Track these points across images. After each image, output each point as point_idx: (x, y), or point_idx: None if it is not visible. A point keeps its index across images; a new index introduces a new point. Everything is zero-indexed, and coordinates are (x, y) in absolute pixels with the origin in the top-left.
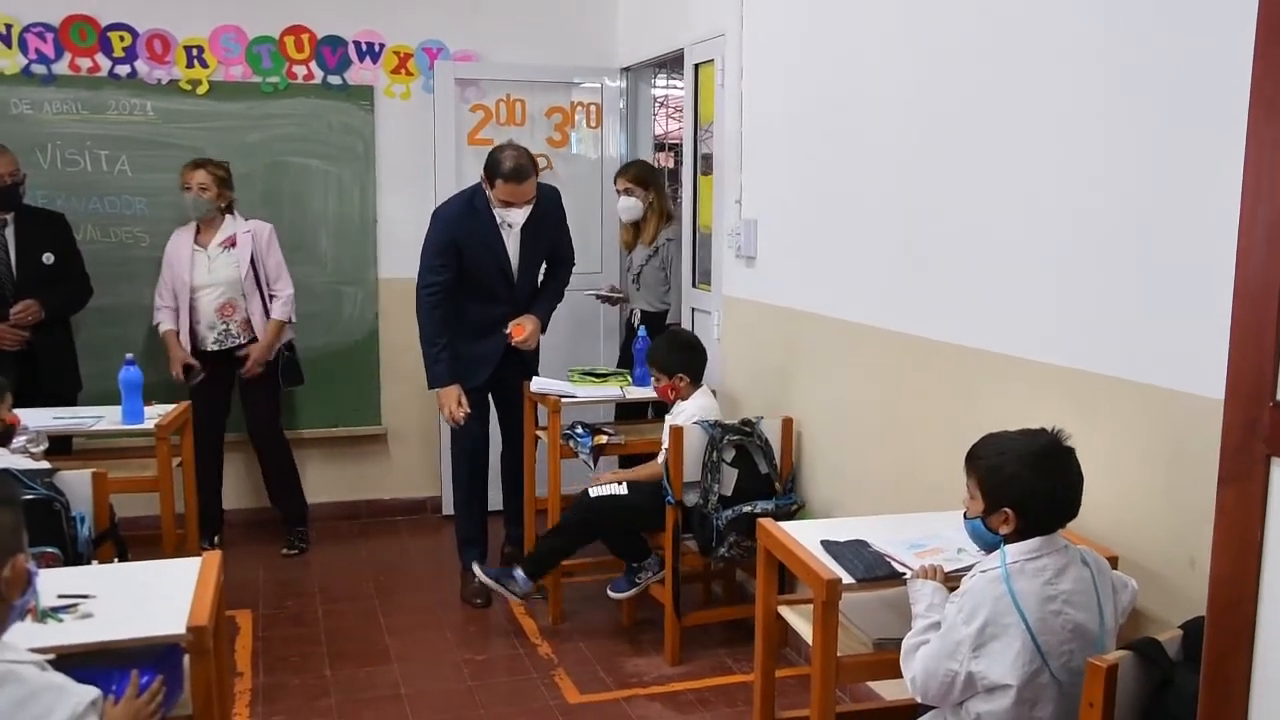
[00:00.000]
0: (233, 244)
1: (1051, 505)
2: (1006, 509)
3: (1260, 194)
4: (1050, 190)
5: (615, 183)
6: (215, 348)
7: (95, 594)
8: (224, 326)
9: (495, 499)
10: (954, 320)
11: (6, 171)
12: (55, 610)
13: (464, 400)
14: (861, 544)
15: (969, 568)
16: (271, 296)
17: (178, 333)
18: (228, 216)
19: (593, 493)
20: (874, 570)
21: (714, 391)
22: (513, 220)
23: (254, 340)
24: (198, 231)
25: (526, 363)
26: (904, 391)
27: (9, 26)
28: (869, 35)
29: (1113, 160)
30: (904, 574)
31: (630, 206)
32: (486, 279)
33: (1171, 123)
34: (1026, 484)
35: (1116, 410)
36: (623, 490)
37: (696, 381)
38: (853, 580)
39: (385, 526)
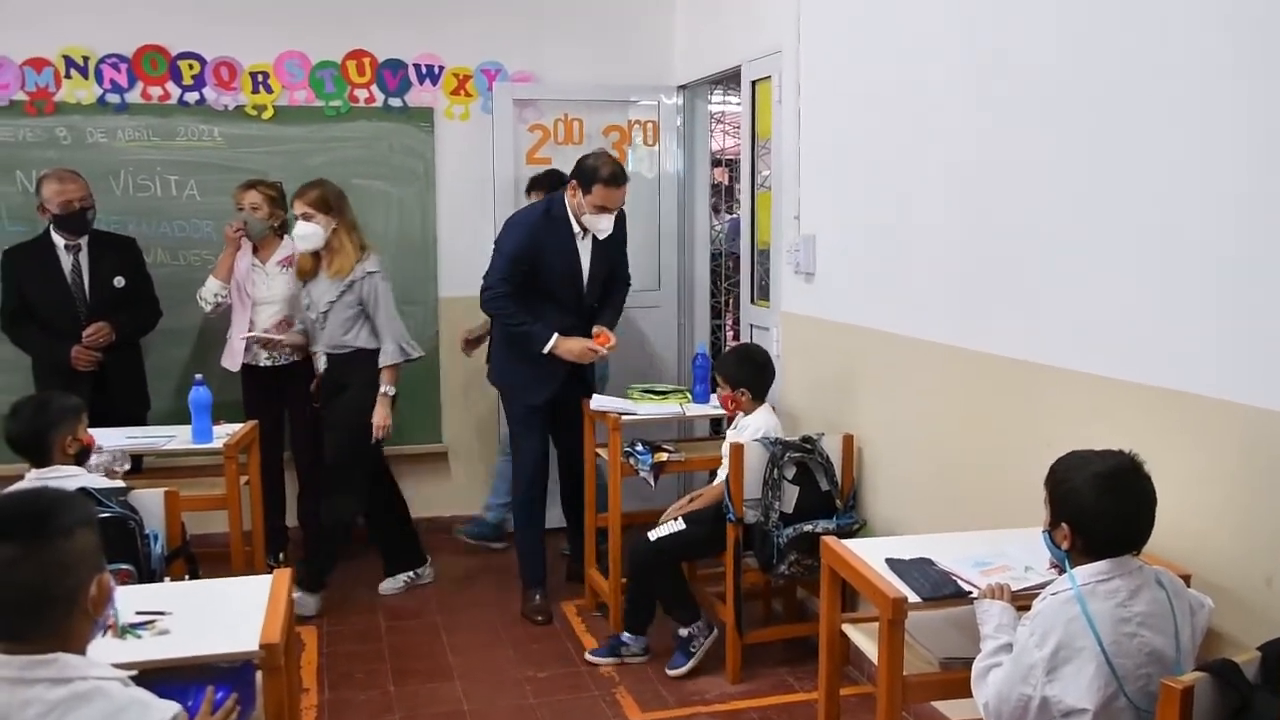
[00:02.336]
0: (290, 262)
1: (1112, 528)
2: (1064, 524)
3: None
4: (1116, 198)
5: (292, 205)
6: (269, 363)
7: (171, 611)
8: None
9: (553, 517)
10: (1018, 334)
11: (78, 198)
12: (134, 626)
13: (582, 341)
14: (927, 562)
15: (1037, 587)
16: None
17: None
18: (285, 236)
19: (652, 536)
20: (940, 589)
21: (774, 408)
22: (603, 227)
23: (308, 358)
24: (255, 250)
25: (587, 380)
26: (967, 407)
27: (85, 59)
28: (927, 49)
29: (1188, 164)
30: (970, 593)
31: (309, 234)
32: (558, 289)
33: (1248, 123)
34: (1086, 502)
35: (1188, 426)
36: (680, 526)
37: (759, 398)
38: (919, 599)
39: (447, 543)
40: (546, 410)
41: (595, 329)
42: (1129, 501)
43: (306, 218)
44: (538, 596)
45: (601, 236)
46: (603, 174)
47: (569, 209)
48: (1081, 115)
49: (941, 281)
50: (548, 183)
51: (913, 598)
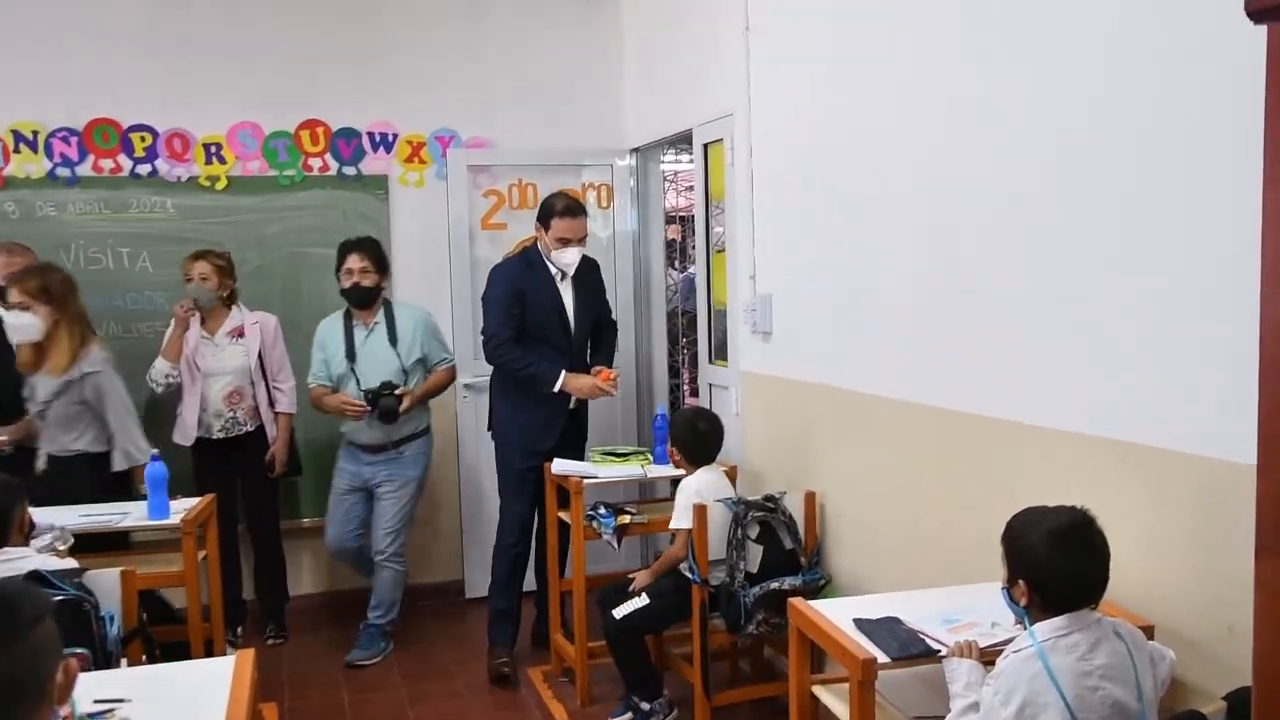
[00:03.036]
0: (241, 334)
1: (1067, 584)
2: (1021, 580)
3: (1276, 274)
4: (1070, 257)
5: (10, 293)
6: (222, 435)
7: (130, 698)
8: (231, 415)
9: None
10: (979, 391)
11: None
12: (92, 716)
13: (587, 377)
14: (895, 621)
15: (1003, 642)
16: (275, 388)
17: None
18: (233, 307)
19: (617, 614)
20: (909, 648)
21: (734, 470)
22: (568, 260)
23: (260, 428)
24: (202, 321)
25: (583, 430)
26: (929, 463)
27: (35, 133)
28: (879, 108)
29: (1136, 227)
30: (939, 651)
31: (23, 325)
32: (548, 332)
33: (1190, 186)
34: (1041, 558)
35: (1147, 478)
36: (643, 601)
37: (693, 462)
38: (888, 659)
39: (410, 612)
40: (540, 469)
41: (595, 367)
42: (1083, 556)
43: (24, 307)
44: (505, 657)
45: (569, 270)
46: (558, 207)
47: (543, 254)
48: (1034, 173)
49: (900, 339)
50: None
51: (882, 658)
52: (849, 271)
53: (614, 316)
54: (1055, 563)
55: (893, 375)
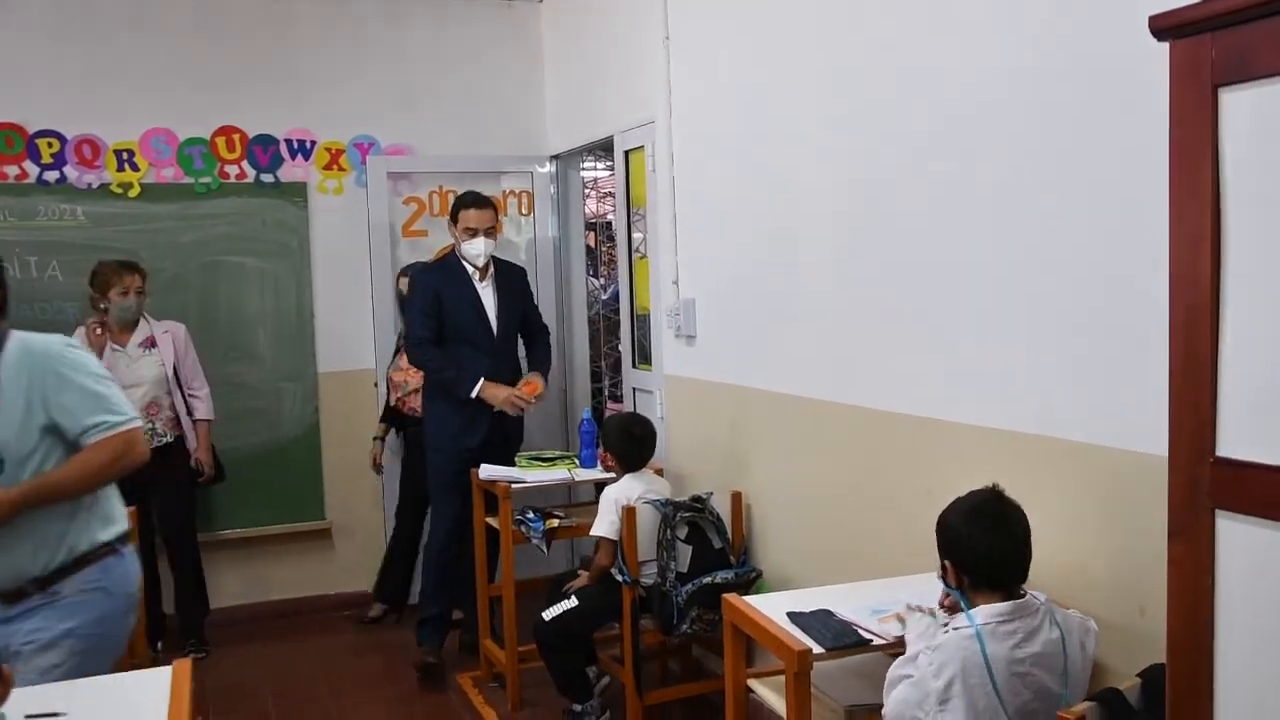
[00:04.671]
0: (152, 344)
1: (987, 556)
2: (947, 562)
3: (1184, 278)
4: (986, 257)
5: None
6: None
7: (66, 710)
8: (151, 426)
9: None
10: (897, 389)
11: None
12: None
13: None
14: (827, 614)
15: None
16: (191, 396)
17: None
18: (141, 318)
19: (546, 616)
20: (842, 639)
21: (660, 472)
22: (477, 251)
23: (179, 438)
24: (112, 333)
25: (510, 434)
26: (851, 461)
27: None
28: (799, 113)
29: (1049, 226)
30: (870, 640)
31: None
32: (468, 332)
33: (1101, 188)
34: (960, 536)
35: (1061, 470)
36: (572, 603)
37: (626, 467)
38: (822, 650)
39: (332, 622)
40: (468, 475)
41: (525, 378)
42: (996, 529)
43: None
44: (431, 652)
45: (478, 261)
46: (465, 200)
47: (459, 256)
48: (950, 173)
49: (821, 340)
50: None
51: (816, 649)
52: (770, 275)
53: (542, 320)
54: (972, 539)
55: (814, 376)
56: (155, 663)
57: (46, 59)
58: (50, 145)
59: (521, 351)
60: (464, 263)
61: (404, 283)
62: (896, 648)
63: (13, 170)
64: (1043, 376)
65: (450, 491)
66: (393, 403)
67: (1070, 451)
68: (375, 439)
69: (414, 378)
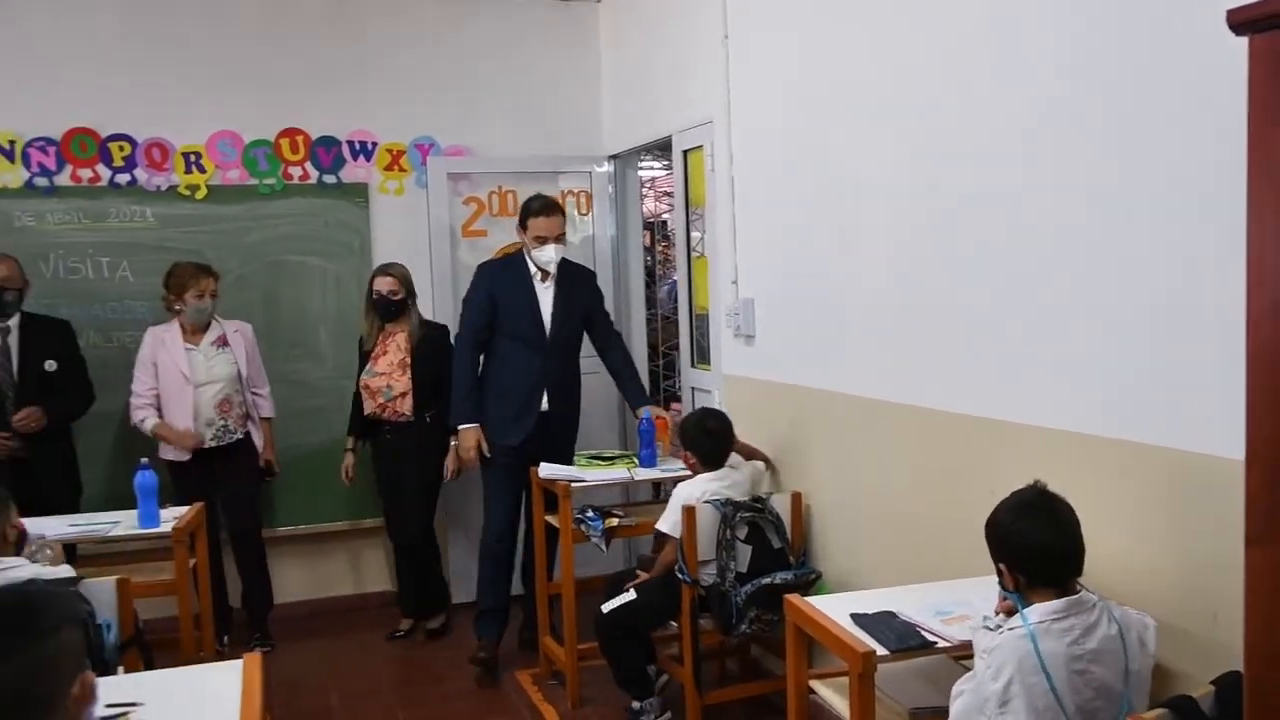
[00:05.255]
0: (224, 342)
1: (1040, 554)
2: (1001, 564)
3: (1265, 276)
4: (1051, 255)
5: None
6: (214, 444)
7: (143, 702)
8: (223, 423)
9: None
10: (959, 390)
11: (7, 277)
12: None
13: (483, 444)
14: (890, 615)
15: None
16: (255, 394)
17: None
18: (213, 318)
19: (605, 609)
20: (906, 641)
21: (734, 468)
22: (547, 258)
23: (248, 434)
24: (184, 331)
25: (559, 438)
26: (912, 462)
27: (12, 143)
28: (860, 112)
29: (1115, 225)
30: (936, 643)
31: None
32: (522, 329)
33: (1171, 186)
34: (1010, 536)
35: (1130, 472)
36: (631, 597)
37: (708, 464)
38: (886, 652)
39: (393, 617)
40: (521, 471)
41: (645, 409)
42: (1045, 524)
43: None
44: (486, 647)
45: (549, 268)
46: (534, 207)
47: (526, 256)
48: (1014, 172)
49: (882, 340)
50: None
51: (880, 651)
52: (830, 274)
53: (611, 323)
54: (1022, 535)
55: (876, 376)
56: (221, 656)
57: (119, 65)
58: (121, 149)
59: (587, 352)
60: (528, 262)
61: None
62: (962, 650)
63: (86, 173)
64: (1111, 377)
65: (497, 487)
66: (369, 411)
67: (1139, 453)
68: (347, 450)
69: (398, 382)
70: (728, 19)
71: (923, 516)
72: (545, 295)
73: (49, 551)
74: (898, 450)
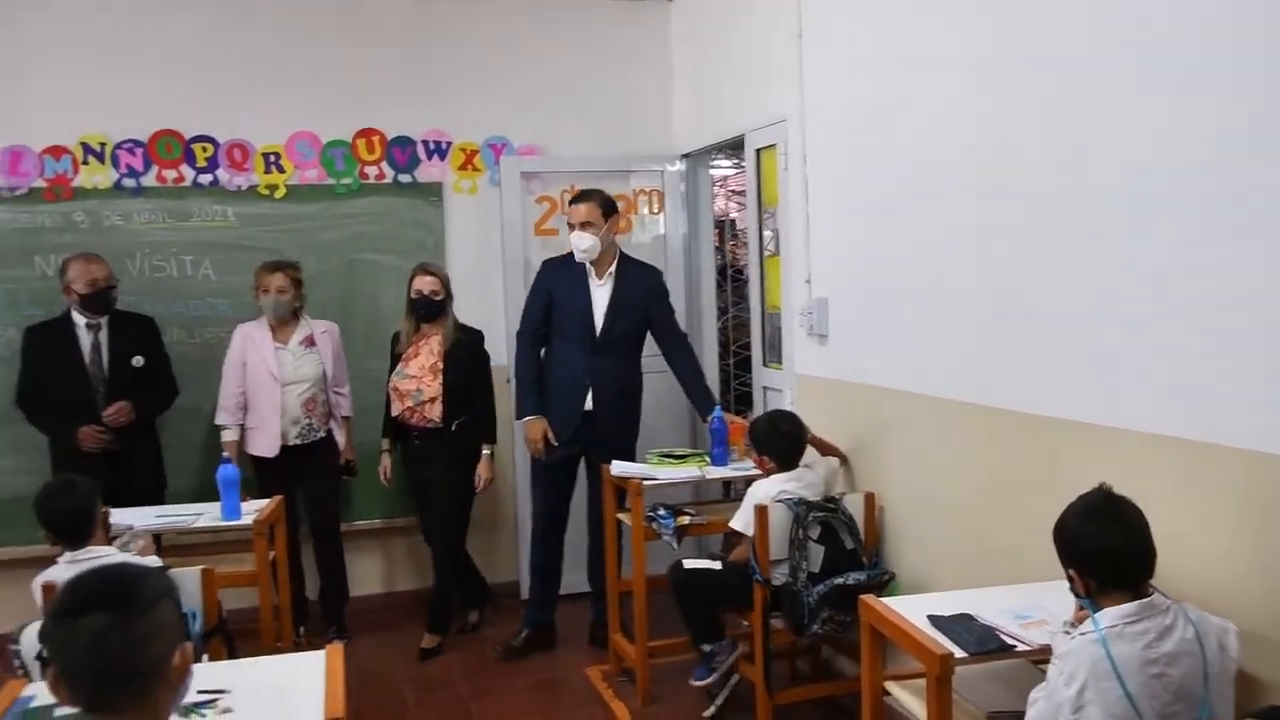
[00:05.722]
0: (312, 343)
1: (1109, 556)
2: (1071, 570)
3: None
4: (1131, 258)
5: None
6: (298, 441)
7: (230, 689)
8: (308, 421)
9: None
10: (1042, 392)
11: (101, 277)
12: (197, 706)
13: (549, 434)
14: (968, 618)
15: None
16: (337, 393)
17: (239, 444)
18: (301, 317)
19: (686, 564)
20: (986, 644)
21: (808, 466)
22: (574, 244)
23: (330, 432)
24: (272, 330)
25: (606, 441)
26: (990, 463)
27: (102, 145)
28: (939, 110)
29: (1191, 228)
30: (1015, 646)
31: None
32: (570, 327)
33: (1251, 188)
34: (1078, 540)
35: (1213, 476)
36: (716, 565)
37: (782, 466)
38: (965, 654)
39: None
40: (572, 467)
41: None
42: (1112, 524)
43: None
44: (521, 633)
45: (578, 256)
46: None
47: None
48: (1108, 174)
49: (960, 341)
50: None
51: (959, 653)
52: (906, 273)
53: (676, 324)
54: (1090, 539)
55: (953, 377)
56: (298, 647)
57: (203, 69)
58: (205, 149)
59: (652, 351)
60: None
61: None
62: (1041, 655)
63: (171, 174)
64: (1196, 378)
65: (537, 480)
66: (397, 413)
67: (1225, 457)
68: (383, 452)
69: (428, 386)
70: (802, 16)
71: (999, 519)
72: (599, 293)
73: (140, 541)
74: (974, 451)
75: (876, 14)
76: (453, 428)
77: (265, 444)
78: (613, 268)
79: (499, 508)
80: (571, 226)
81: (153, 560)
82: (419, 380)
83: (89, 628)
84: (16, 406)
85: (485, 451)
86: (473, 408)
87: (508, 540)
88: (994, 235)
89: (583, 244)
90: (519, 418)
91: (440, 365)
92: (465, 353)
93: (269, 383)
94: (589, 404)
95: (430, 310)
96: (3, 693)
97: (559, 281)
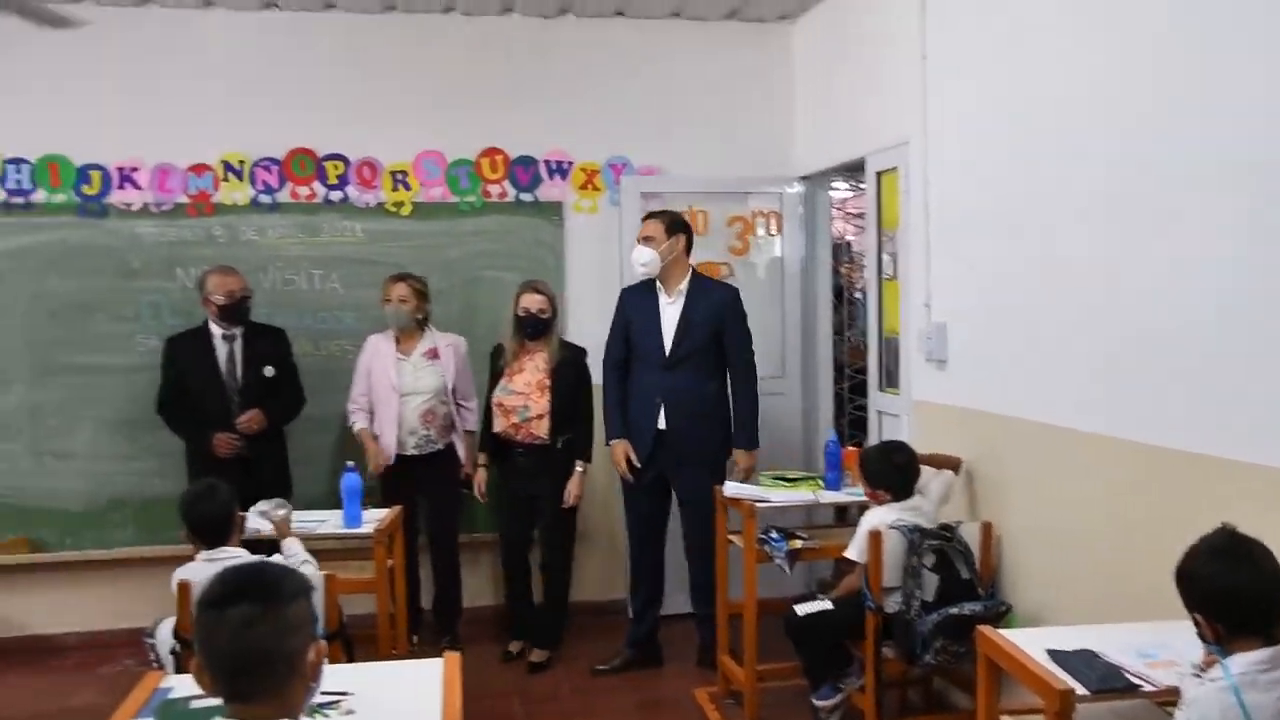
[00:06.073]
0: (435, 355)
1: (1236, 599)
2: (1197, 614)
3: None
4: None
5: None
6: (415, 452)
7: (353, 691)
8: (425, 432)
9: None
10: (1176, 424)
11: (237, 289)
12: (321, 706)
13: (630, 455)
14: (1091, 654)
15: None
16: (462, 407)
17: (373, 434)
18: (426, 329)
19: (799, 610)
20: (1109, 682)
21: (922, 493)
22: (634, 259)
23: (450, 445)
24: (397, 341)
25: (684, 459)
26: (1116, 497)
27: (241, 163)
28: (1066, 133)
29: None
30: (1140, 685)
31: None
32: (645, 347)
33: None
34: (1203, 580)
35: None
36: (828, 606)
37: (899, 496)
38: (1086, 692)
39: (578, 627)
40: (643, 485)
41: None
42: (1237, 565)
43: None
44: (622, 653)
45: (638, 271)
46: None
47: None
48: (1226, 199)
49: (1088, 369)
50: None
51: (1080, 690)
52: (1031, 300)
53: (744, 355)
54: (1214, 580)
55: (1079, 406)
56: (413, 654)
57: (335, 89)
58: (336, 167)
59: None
60: (658, 280)
61: None
62: (1167, 696)
63: (304, 191)
64: None
65: (628, 507)
66: (499, 429)
67: None
68: (480, 467)
69: (536, 403)
70: (926, 38)
71: (1124, 554)
72: (669, 311)
73: (282, 511)
74: (1099, 483)
75: (1002, 37)
76: (558, 445)
77: (382, 454)
78: (683, 285)
79: (603, 525)
80: (638, 242)
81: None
82: (526, 396)
83: (236, 617)
84: (158, 414)
85: (579, 469)
86: (575, 426)
87: (616, 559)
88: (1130, 261)
89: (641, 258)
90: (606, 442)
91: (547, 382)
92: (570, 370)
93: (388, 392)
94: (661, 422)
95: (536, 328)
96: (143, 684)
97: (635, 305)
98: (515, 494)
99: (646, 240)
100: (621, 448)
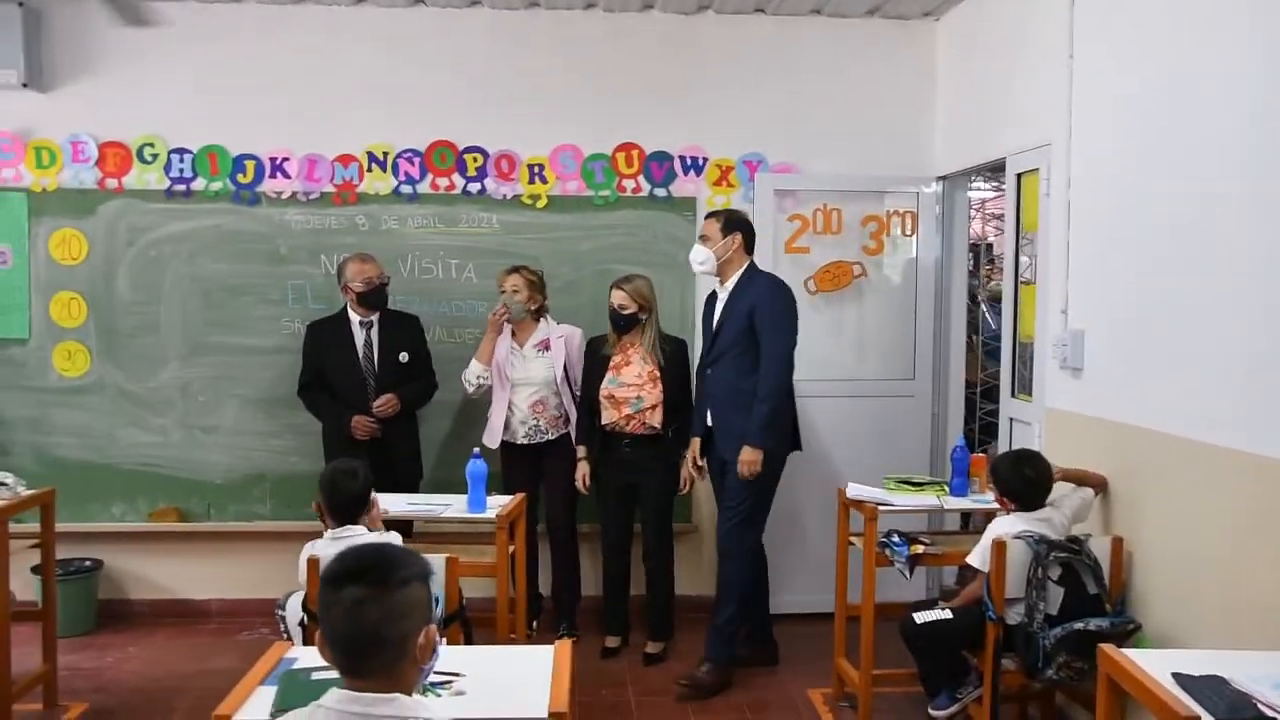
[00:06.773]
0: (546, 347)
1: None
2: None
3: None
4: None
5: None
6: (525, 441)
7: (465, 673)
8: (535, 422)
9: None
10: None
11: (375, 275)
12: (433, 685)
13: (695, 455)
14: (1220, 681)
15: None
16: (576, 397)
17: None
18: (541, 320)
19: (918, 619)
20: (1239, 711)
21: (1054, 505)
22: (691, 258)
23: (564, 435)
24: (513, 333)
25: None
26: (1260, 518)
27: (385, 154)
28: (1221, 138)
29: None
30: (1273, 717)
31: None
32: (704, 347)
33: None
34: None
35: None
36: (946, 615)
37: (1028, 507)
38: None
39: (691, 622)
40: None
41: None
42: None
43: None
44: (703, 667)
45: (694, 269)
46: None
47: None
48: None
49: (1237, 383)
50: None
51: (1206, 718)
52: (1178, 308)
53: (774, 349)
54: None
55: (1225, 422)
56: (530, 640)
57: (477, 84)
58: (475, 160)
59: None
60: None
61: None
62: None
63: (444, 182)
64: None
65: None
66: (609, 421)
67: None
68: (581, 459)
69: (649, 394)
70: (1074, 38)
71: (1266, 578)
72: (718, 307)
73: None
74: (1243, 503)
75: (1151, 39)
76: (669, 434)
77: (488, 435)
78: (733, 280)
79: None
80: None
81: (390, 536)
82: (639, 388)
83: (348, 597)
84: (298, 396)
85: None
86: (681, 415)
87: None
88: (1276, 274)
89: (697, 257)
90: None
91: (657, 373)
92: (673, 362)
93: (501, 381)
94: (709, 419)
95: (619, 324)
96: (270, 653)
97: (708, 306)
98: (617, 485)
99: (703, 239)
100: (694, 444)
